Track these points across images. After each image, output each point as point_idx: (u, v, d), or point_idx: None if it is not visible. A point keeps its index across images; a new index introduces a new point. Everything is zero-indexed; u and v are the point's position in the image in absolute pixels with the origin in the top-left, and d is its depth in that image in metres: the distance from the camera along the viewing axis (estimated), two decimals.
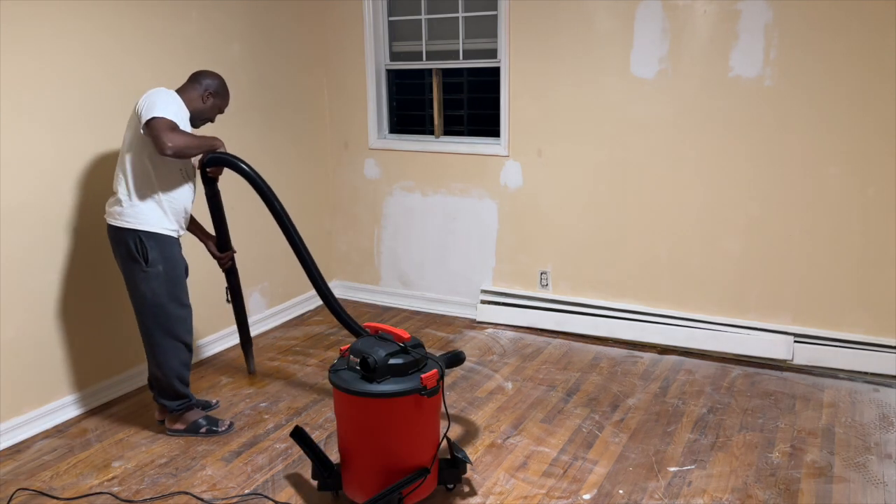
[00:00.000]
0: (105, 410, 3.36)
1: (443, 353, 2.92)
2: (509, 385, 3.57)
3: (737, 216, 3.74)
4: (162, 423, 3.17)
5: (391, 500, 2.38)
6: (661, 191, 3.88)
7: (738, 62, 3.57)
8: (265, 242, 4.27)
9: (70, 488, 2.74)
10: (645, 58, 3.76)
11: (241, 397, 3.48)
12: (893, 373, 3.49)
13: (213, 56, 3.81)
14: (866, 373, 3.54)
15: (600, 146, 3.97)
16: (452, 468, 2.59)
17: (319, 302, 4.51)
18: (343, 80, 4.64)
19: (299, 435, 2.58)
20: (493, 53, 4.22)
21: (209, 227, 3.30)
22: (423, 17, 4.39)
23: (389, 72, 4.60)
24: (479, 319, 4.44)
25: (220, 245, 3.30)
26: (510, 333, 4.26)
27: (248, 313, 4.22)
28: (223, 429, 3.13)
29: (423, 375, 2.39)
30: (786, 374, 3.62)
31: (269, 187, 3.05)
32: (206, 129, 3.30)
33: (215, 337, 4.03)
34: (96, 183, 3.26)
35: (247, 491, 2.70)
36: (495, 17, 4.15)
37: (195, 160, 3.03)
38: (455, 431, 3.10)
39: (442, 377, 2.47)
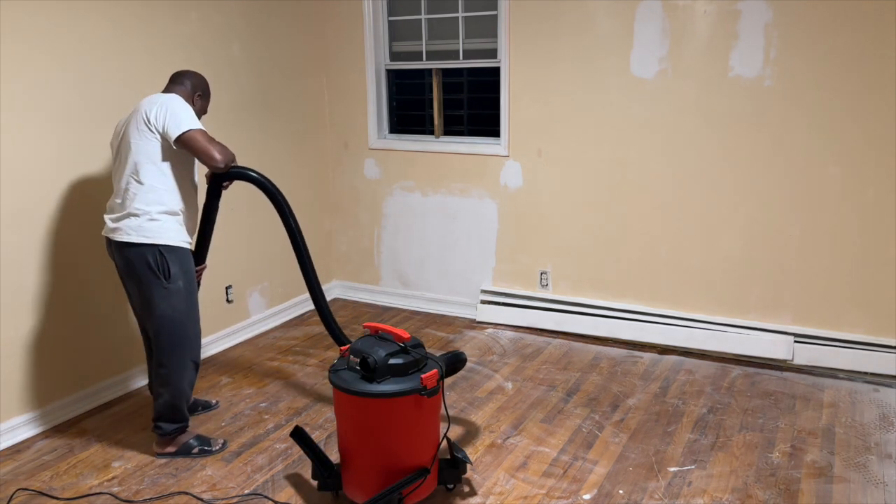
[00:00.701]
0: (105, 410, 3.36)
1: (443, 353, 2.92)
2: (509, 385, 3.56)
3: (737, 216, 3.74)
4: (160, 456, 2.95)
5: (391, 500, 2.38)
6: (661, 191, 3.88)
7: (738, 62, 3.57)
8: (265, 243, 4.27)
9: (70, 488, 2.74)
10: (645, 58, 3.76)
11: (241, 397, 3.48)
12: (893, 373, 3.49)
13: (212, 56, 3.81)
14: (866, 373, 3.54)
15: (600, 146, 3.97)
16: (452, 468, 2.59)
17: None
18: (343, 80, 4.64)
19: (299, 435, 2.58)
20: (493, 53, 4.22)
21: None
22: (423, 17, 4.39)
23: (389, 72, 4.60)
24: (479, 319, 4.44)
25: (198, 257, 3.08)
26: (510, 333, 4.26)
27: (247, 313, 4.25)
28: (217, 447, 2.97)
29: (423, 375, 2.39)
30: (786, 374, 3.62)
31: (287, 204, 2.95)
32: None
33: (215, 337, 4.03)
34: (95, 184, 3.26)
35: (247, 491, 2.70)
36: (495, 17, 4.15)
37: (204, 172, 2.95)
38: (455, 431, 3.10)
39: (442, 377, 2.47)
